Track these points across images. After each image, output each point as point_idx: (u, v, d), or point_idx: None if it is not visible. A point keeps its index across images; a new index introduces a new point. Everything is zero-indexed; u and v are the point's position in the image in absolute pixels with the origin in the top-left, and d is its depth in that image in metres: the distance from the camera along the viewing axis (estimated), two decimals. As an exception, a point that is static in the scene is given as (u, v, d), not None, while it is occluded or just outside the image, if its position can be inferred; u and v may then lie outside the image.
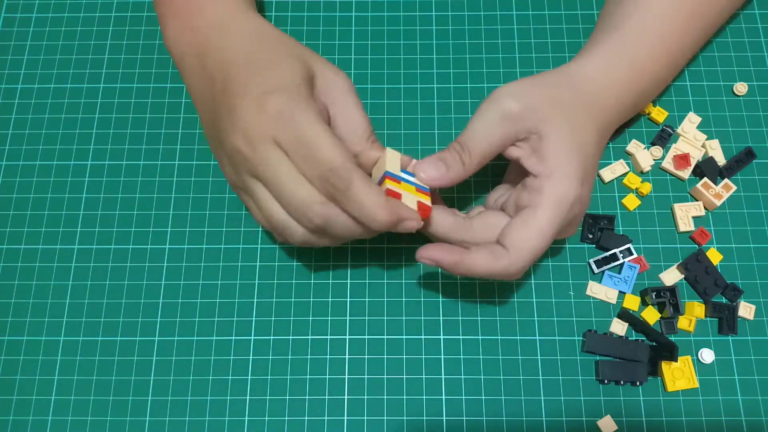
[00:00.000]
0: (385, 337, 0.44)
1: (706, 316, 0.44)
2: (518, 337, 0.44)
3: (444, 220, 0.39)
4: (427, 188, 0.38)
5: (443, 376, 0.43)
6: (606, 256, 0.45)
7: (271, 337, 0.44)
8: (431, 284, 0.45)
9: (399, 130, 0.49)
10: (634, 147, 0.48)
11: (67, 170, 0.48)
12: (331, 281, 0.45)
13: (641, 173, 0.48)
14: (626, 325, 0.44)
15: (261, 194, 0.36)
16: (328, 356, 0.43)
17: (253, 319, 0.44)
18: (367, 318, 0.44)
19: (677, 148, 0.48)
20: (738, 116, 0.49)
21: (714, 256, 0.45)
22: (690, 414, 0.42)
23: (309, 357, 0.43)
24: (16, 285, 0.45)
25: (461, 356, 0.43)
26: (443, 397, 0.43)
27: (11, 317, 0.45)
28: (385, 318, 0.44)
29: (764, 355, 0.43)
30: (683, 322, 0.44)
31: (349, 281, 0.45)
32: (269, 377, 0.43)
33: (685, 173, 0.47)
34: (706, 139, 0.48)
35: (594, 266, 0.45)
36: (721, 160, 0.48)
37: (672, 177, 0.48)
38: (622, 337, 0.43)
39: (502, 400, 0.42)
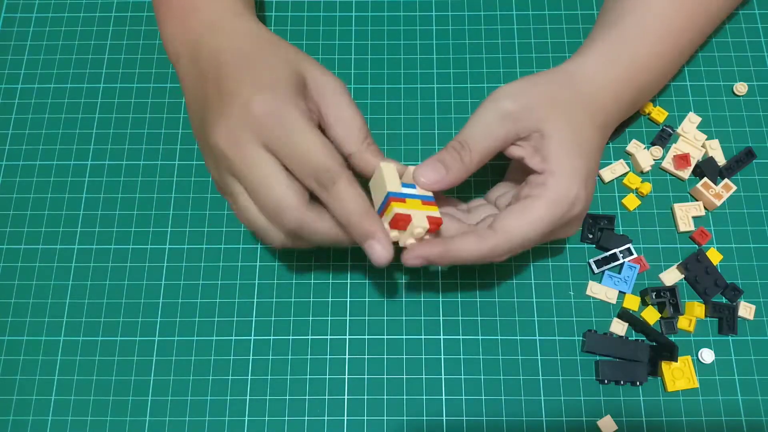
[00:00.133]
0: (385, 337, 0.44)
1: (706, 316, 0.44)
2: (518, 337, 0.44)
3: (450, 228, 0.39)
4: (432, 197, 0.38)
5: (443, 376, 0.43)
6: (606, 256, 0.45)
7: (271, 337, 0.44)
8: (431, 284, 0.45)
9: (399, 130, 0.49)
10: (634, 147, 0.48)
11: (67, 170, 0.48)
12: (331, 281, 0.45)
13: (641, 173, 0.48)
14: (626, 325, 0.44)
15: (240, 195, 0.36)
16: (328, 356, 0.43)
17: (253, 319, 0.44)
18: (367, 318, 0.44)
19: (677, 148, 0.48)
20: (738, 116, 0.49)
21: (714, 256, 0.45)
22: (690, 414, 0.42)
23: (309, 357, 0.43)
24: (16, 285, 0.45)
25: (461, 356, 0.43)
26: (443, 397, 0.43)
27: (11, 317, 0.45)
28: (385, 318, 0.44)
29: (764, 355, 0.43)
30: (683, 322, 0.44)
31: (349, 281, 0.45)
32: (269, 377, 0.43)
33: (685, 173, 0.47)
34: (706, 139, 0.48)
35: (594, 266, 0.45)
36: (721, 160, 0.48)
37: (672, 177, 0.48)
38: (622, 337, 0.43)
39: (502, 400, 0.42)
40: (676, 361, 0.41)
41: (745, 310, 0.44)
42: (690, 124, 0.49)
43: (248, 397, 0.43)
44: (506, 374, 0.43)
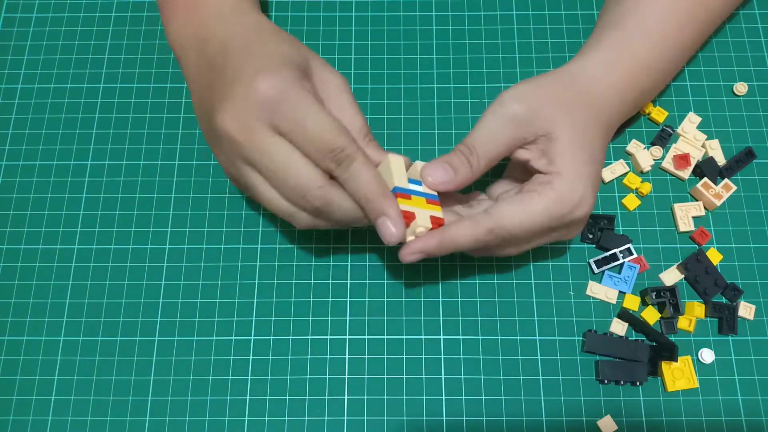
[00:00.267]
0: (385, 337, 0.44)
1: (706, 316, 0.44)
2: (518, 337, 0.44)
3: (448, 219, 0.39)
4: (436, 196, 0.38)
5: (443, 376, 0.43)
6: (606, 256, 0.45)
7: (271, 337, 0.44)
8: (431, 284, 0.45)
9: (399, 130, 0.49)
10: (634, 147, 0.48)
11: (67, 170, 0.48)
12: (331, 281, 0.45)
13: (641, 173, 0.48)
14: (626, 325, 0.44)
15: (258, 182, 0.36)
16: (328, 356, 0.43)
17: (253, 319, 0.44)
18: (367, 318, 0.44)
19: (677, 148, 0.48)
20: (738, 116, 0.49)
21: (714, 256, 0.45)
22: (690, 414, 0.42)
23: (309, 357, 0.43)
24: (16, 285, 0.45)
25: (461, 356, 0.43)
26: (443, 397, 0.43)
27: (11, 317, 0.45)
28: (385, 318, 0.44)
29: (764, 355, 0.43)
30: (683, 322, 0.44)
31: (349, 281, 0.45)
32: (269, 377, 0.43)
33: (685, 173, 0.47)
34: (706, 139, 0.48)
35: (594, 266, 0.45)
36: (721, 160, 0.48)
37: (672, 177, 0.48)
38: (622, 337, 0.43)
39: (502, 400, 0.42)
40: (676, 361, 0.41)
41: (745, 310, 0.44)
42: (690, 124, 0.49)
43: (248, 397, 0.43)
44: (506, 374, 0.43)
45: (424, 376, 0.43)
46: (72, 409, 0.43)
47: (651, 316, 0.44)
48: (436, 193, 0.38)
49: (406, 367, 0.43)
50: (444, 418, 0.42)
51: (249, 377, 0.43)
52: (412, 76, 0.51)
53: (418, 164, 0.38)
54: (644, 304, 0.45)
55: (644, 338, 0.44)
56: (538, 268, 0.46)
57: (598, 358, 0.43)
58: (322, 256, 0.46)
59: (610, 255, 0.45)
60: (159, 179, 0.48)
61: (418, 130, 0.49)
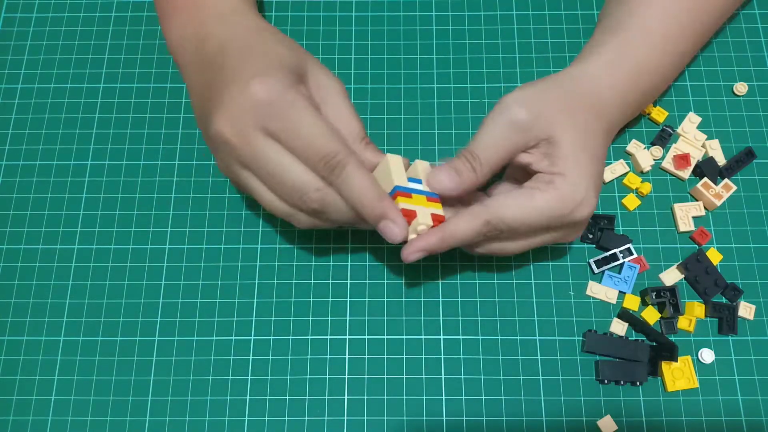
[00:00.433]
0: (385, 337, 0.44)
1: (706, 316, 0.44)
2: (518, 337, 0.44)
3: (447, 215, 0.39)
4: (437, 194, 0.38)
5: (443, 376, 0.43)
6: (606, 256, 0.45)
7: (271, 337, 0.44)
8: (431, 284, 0.45)
9: (399, 130, 0.49)
10: (634, 147, 0.48)
11: (67, 170, 0.48)
12: (331, 281, 0.45)
13: (641, 173, 0.48)
14: (626, 325, 0.44)
15: (255, 185, 0.36)
16: (328, 356, 0.43)
17: (253, 319, 0.44)
18: (367, 318, 0.44)
19: (677, 148, 0.48)
20: (738, 116, 0.49)
21: (714, 256, 0.45)
22: (690, 414, 0.42)
23: (309, 357, 0.43)
24: (16, 285, 0.45)
25: (461, 356, 0.43)
26: (443, 397, 0.43)
27: (11, 317, 0.45)
28: (385, 318, 0.44)
29: (764, 355, 0.43)
30: (683, 322, 0.44)
31: (349, 281, 0.45)
32: (269, 377, 0.43)
33: (685, 173, 0.47)
34: (706, 139, 0.48)
35: (594, 266, 0.45)
36: (721, 160, 0.48)
37: (672, 177, 0.48)
38: (622, 337, 0.43)
39: (502, 400, 0.42)
40: (676, 361, 0.41)
41: (745, 310, 0.44)
42: (690, 124, 0.49)
43: (248, 397, 0.43)
44: (506, 374, 0.43)
45: (424, 376, 0.43)
46: (72, 409, 0.43)
47: (651, 316, 0.44)
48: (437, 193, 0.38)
49: (406, 367, 0.43)
50: (444, 418, 0.42)
51: (249, 377, 0.43)
52: (412, 76, 0.51)
53: (418, 163, 0.38)
54: (644, 304, 0.45)
55: (644, 338, 0.44)
56: (538, 268, 0.46)
57: (598, 358, 0.43)
58: (322, 256, 0.46)
59: (610, 255, 0.45)
60: (159, 179, 0.48)
61: (418, 130, 0.49)
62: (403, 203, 0.36)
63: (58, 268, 0.46)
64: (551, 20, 0.53)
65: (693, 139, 0.48)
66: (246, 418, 0.42)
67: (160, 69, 0.51)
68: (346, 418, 0.42)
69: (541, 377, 0.43)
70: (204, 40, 0.40)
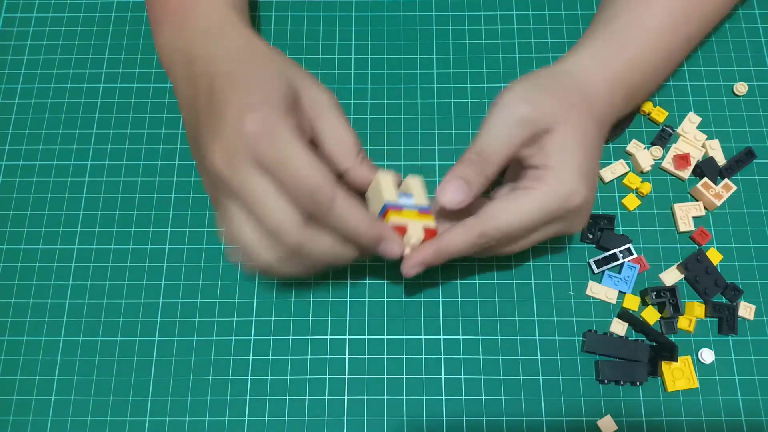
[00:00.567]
0: (385, 337, 0.44)
1: (706, 316, 0.44)
2: (518, 337, 0.44)
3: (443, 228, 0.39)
4: (428, 207, 0.38)
5: (443, 376, 0.43)
6: (606, 256, 0.45)
7: (271, 337, 0.44)
8: (431, 284, 0.45)
9: (399, 130, 0.49)
10: (634, 147, 0.48)
11: (67, 170, 0.48)
12: (331, 281, 0.45)
13: (641, 173, 0.48)
14: (626, 325, 0.44)
15: (235, 214, 0.35)
16: (328, 356, 0.43)
17: (253, 319, 0.44)
18: (367, 318, 0.44)
19: (677, 148, 0.48)
20: (738, 116, 0.49)
21: (714, 256, 0.45)
22: (690, 414, 0.42)
23: (309, 357, 0.43)
24: (16, 285, 0.45)
25: (461, 356, 0.43)
26: (443, 397, 0.43)
27: (11, 317, 0.45)
28: (385, 318, 0.44)
29: (764, 355, 0.43)
30: (683, 322, 0.44)
31: (349, 281, 0.45)
32: (269, 377, 0.43)
33: (685, 173, 0.47)
34: (706, 139, 0.48)
35: (594, 266, 0.45)
36: (721, 160, 0.48)
37: (672, 177, 0.48)
38: (622, 337, 0.43)
39: (502, 400, 0.42)
40: (676, 361, 0.41)
41: (745, 310, 0.44)
42: (690, 124, 0.49)
43: (248, 397, 0.43)
44: (506, 374, 0.43)
45: (424, 376, 0.43)
46: (72, 409, 0.43)
47: (651, 316, 0.44)
48: (427, 204, 0.38)
49: (406, 367, 0.43)
50: (444, 418, 0.42)
51: (249, 377, 0.43)
52: (412, 76, 0.51)
53: (410, 178, 0.39)
54: (644, 304, 0.45)
55: (644, 338, 0.44)
56: (538, 268, 0.46)
57: (598, 358, 0.43)
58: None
59: (610, 255, 0.45)
60: (159, 179, 0.48)
61: (418, 130, 0.49)
62: (394, 218, 0.36)
63: (58, 268, 0.46)
64: (551, 20, 0.53)
65: (693, 139, 0.48)
66: (246, 418, 0.42)
67: (160, 69, 0.51)
68: (346, 418, 0.42)
69: (541, 377, 0.43)
70: (191, 61, 0.39)
